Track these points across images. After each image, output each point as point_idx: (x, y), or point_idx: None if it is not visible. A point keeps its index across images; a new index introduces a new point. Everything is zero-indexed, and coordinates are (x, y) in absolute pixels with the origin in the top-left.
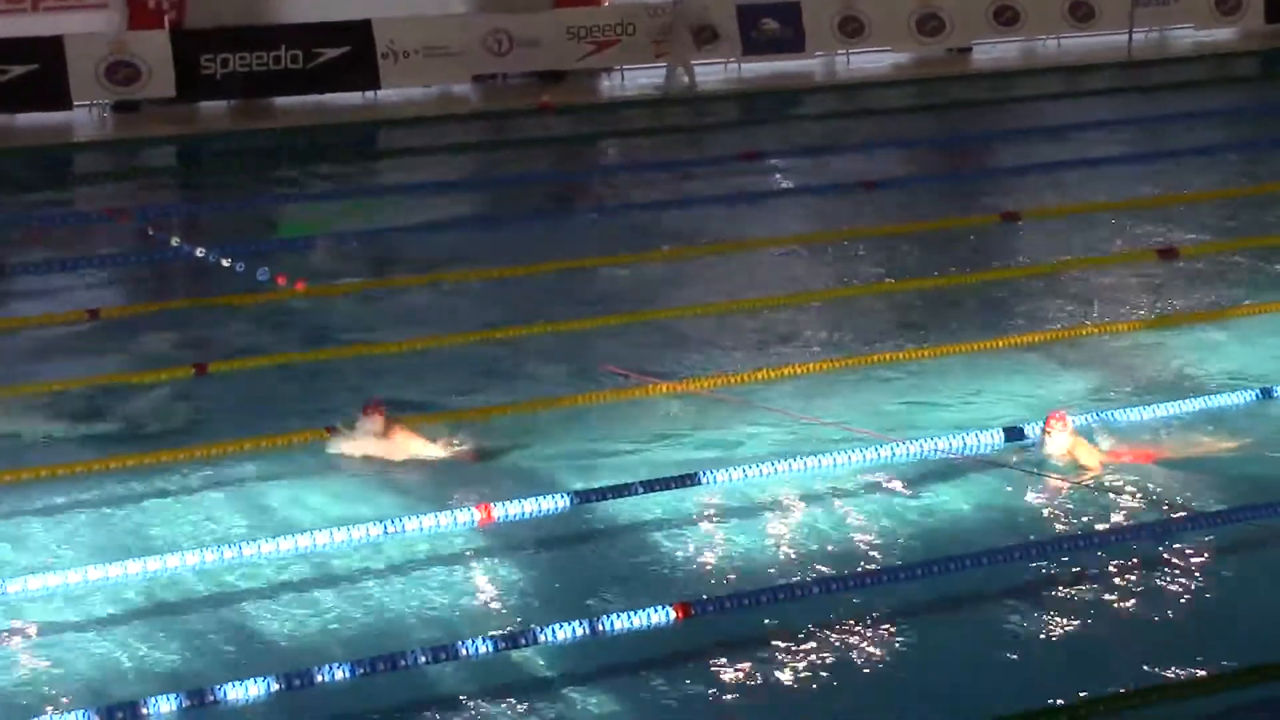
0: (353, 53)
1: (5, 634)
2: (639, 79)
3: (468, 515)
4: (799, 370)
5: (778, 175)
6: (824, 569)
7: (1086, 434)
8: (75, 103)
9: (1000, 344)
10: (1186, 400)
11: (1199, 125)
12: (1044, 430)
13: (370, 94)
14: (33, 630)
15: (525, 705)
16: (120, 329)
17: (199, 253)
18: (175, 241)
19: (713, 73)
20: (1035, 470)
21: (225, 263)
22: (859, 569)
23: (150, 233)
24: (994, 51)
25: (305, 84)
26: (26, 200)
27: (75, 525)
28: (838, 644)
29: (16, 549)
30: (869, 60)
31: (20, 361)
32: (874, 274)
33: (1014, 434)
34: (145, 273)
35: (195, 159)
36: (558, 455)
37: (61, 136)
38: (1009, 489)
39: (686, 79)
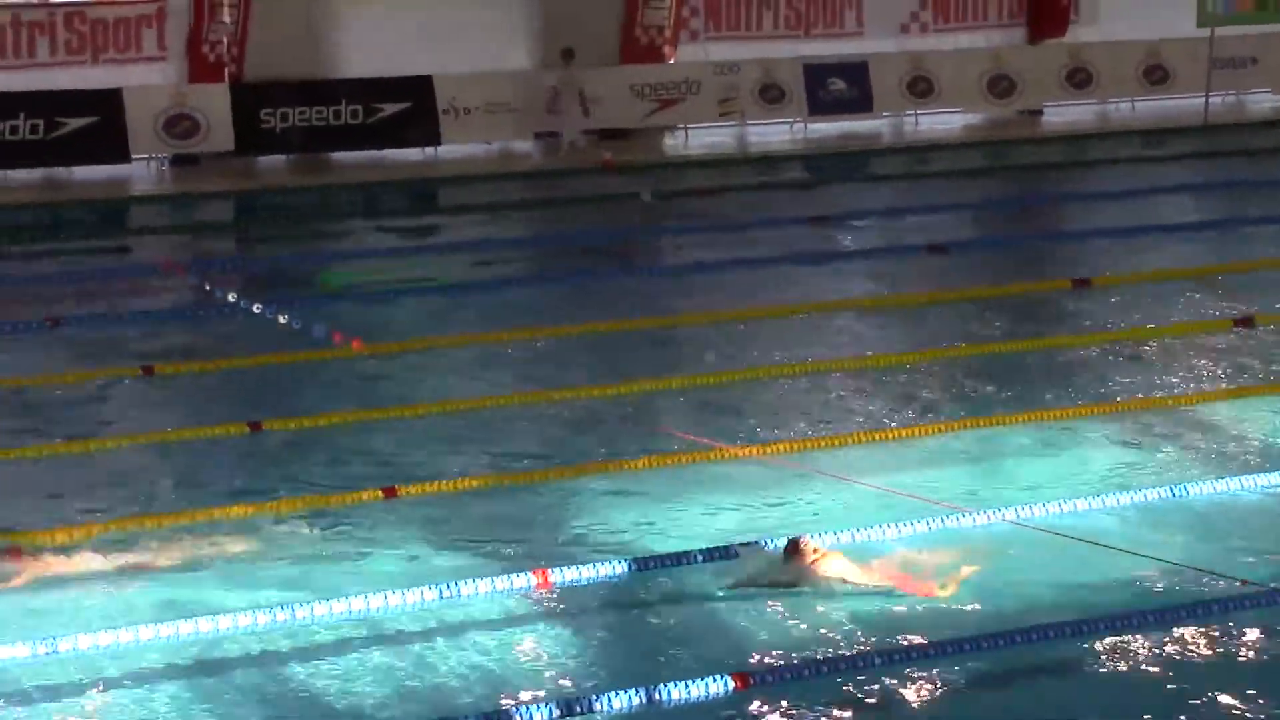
0: (413, 108)
1: (55, 691)
2: (704, 138)
3: (525, 580)
4: (863, 437)
5: (843, 237)
6: (887, 641)
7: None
8: (134, 156)
9: (1070, 414)
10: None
11: (1277, 192)
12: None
13: (430, 150)
14: (82, 689)
15: None
16: (174, 385)
17: (256, 308)
18: (232, 297)
19: (778, 133)
20: (1097, 543)
21: (282, 319)
22: (925, 640)
23: (207, 287)
24: (1066, 114)
25: (365, 139)
26: (83, 253)
27: (126, 583)
28: (899, 718)
29: (67, 606)
30: (938, 121)
31: (72, 416)
32: (941, 339)
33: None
34: (201, 328)
35: (253, 213)
36: (617, 520)
37: (119, 190)
38: (1077, 561)
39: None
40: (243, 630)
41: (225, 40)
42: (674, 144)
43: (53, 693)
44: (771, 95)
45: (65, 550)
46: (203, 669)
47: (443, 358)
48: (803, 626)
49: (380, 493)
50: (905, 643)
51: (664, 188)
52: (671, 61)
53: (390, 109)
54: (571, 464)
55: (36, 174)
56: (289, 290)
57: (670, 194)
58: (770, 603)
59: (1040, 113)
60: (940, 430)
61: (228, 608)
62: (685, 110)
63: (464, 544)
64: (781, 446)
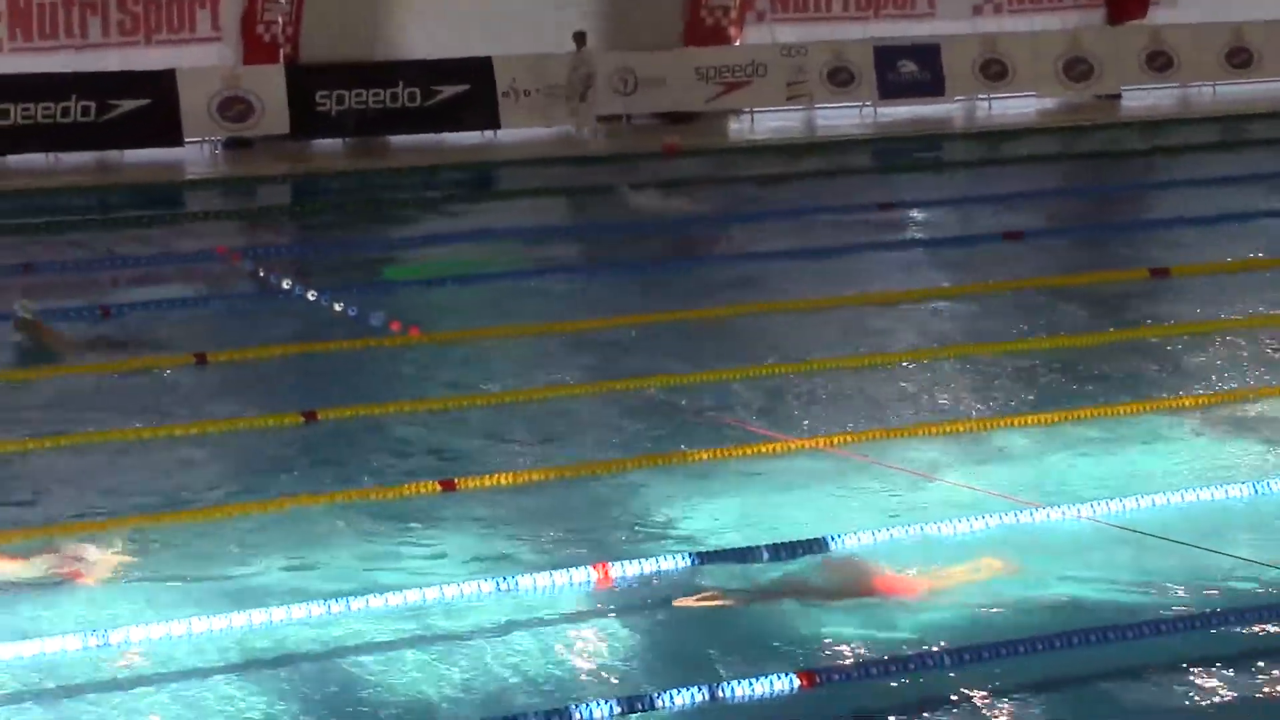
0: (472, 91)
1: (106, 684)
2: (770, 122)
3: (585, 575)
4: (934, 430)
5: (914, 225)
6: (954, 639)
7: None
8: (187, 139)
9: (1147, 407)
10: None
11: None
12: None
13: (489, 134)
14: (135, 682)
15: None
16: (227, 374)
17: (310, 295)
18: (286, 283)
19: (847, 117)
20: (1176, 540)
21: (337, 306)
22: (993, 640)
23: (261, 274)
24: (1146, 98)
25: (423, 122)
26: (135, 238)
27: (179, 574)
28: (965, 718)
29: (119, 598)
30: (1012, 106)
31: (123, 405)
32: (1013, 330)
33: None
34: (255, 315)
35: (308, 198)
36: (680, 514)
37: (172, 173)
38: (1148, 560)
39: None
40: (297, 624)
41: (280, 20)
42: (739, 128)
43: (106, 686)
44: (840, 78)
45: (116, 542)
46: (256, 663)
47: (502, 346)
48: (872, 623)
49: (438, 485)
50: (976, 642)
51: (729, 173)
52: (737, 43)
53: (449, 91)
54: (633, 456)
55: (88, 157)
56: (345, 277)
57: (735, 179)
58: (839, 599)
59: (1119, 97)
60: (1013, 423)
61: (282, 601)
62: (751, 94)
63: (523, 537)
64: (850, 439)
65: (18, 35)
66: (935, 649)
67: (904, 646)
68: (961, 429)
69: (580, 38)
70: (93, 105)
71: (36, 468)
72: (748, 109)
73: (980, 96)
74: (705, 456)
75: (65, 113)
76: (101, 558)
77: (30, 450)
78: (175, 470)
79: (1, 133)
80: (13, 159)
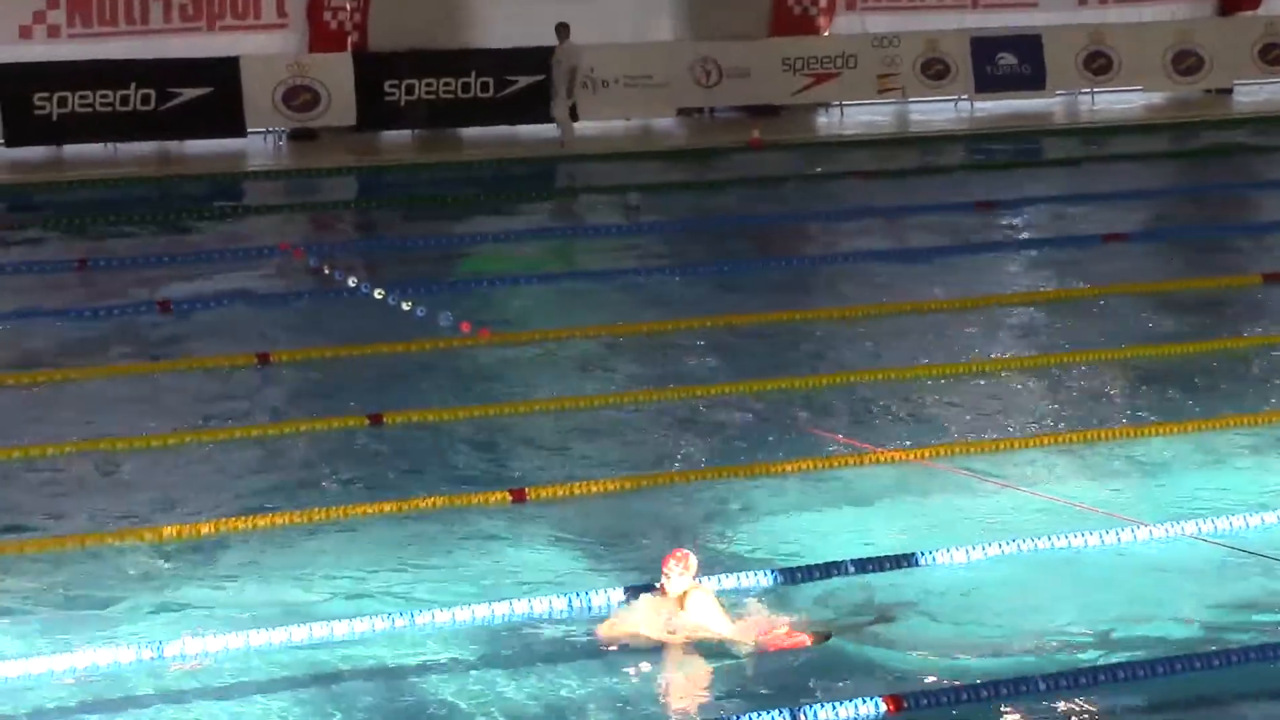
0: (548, 81)
1: (160, 697)
2: (859, 116)
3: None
4: (1029, 441)
5: (1012, 225)
6: (1050, 662)
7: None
8: (249, 129)
9: (1255, 420)
10: None
11: None
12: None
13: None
14: (190, 695)
15: None
16: (290, 374)
17: (377, 294)
18: (352, 281)
19: (942, 111)
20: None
21: (405, 305)
22: (1089, 663)
23: (325, 270)
24: (1259, 94)
25: (495, 114)
26: (195, 232)
27: (239, 583)
28: None
29: (177, 607)
30: (1117, 100)
31: (183, 406)
32: (1116, 338)
33: None
34: (319, 314)
35: (375, 192)
36: (760, 527)
37: (234, 165)
38: (1253, 580)
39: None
40: (359, 637)
41: (348, 7)
42: (827, 122)
43: (160, 699)
44: (935, 70)
45: (174, 548)
46: (316, 677)
47: (576, 349)
48: (961, 645)
49: (508, 495)
50: (1070, 665)
51: (816, 169)
52: (826, 33)
53: (523, 81)
54: (711, 466)
55: (147, 147)
56: (413, 275)
57: (823, 176)
58: (926, 619)
59: (1230, 92)
60: (1113, 436)
61: (343, 613)
62: (840, 86)
63: (596, 550)
64: (940, 450)
65: (76, 20)
66: (1032, 674)
67: (999, 670)
68: (1059, 441)
69: (563, 30)
70: (153, 94)
71: (92, 471)
72: (836, 102)
73: (1083, 91)
74: (788, 468)
75: (124, 101)
76: (158, 565)
77: (85, 452)
78: (236, 475)
79: (59, 121)
80: (70, 149)
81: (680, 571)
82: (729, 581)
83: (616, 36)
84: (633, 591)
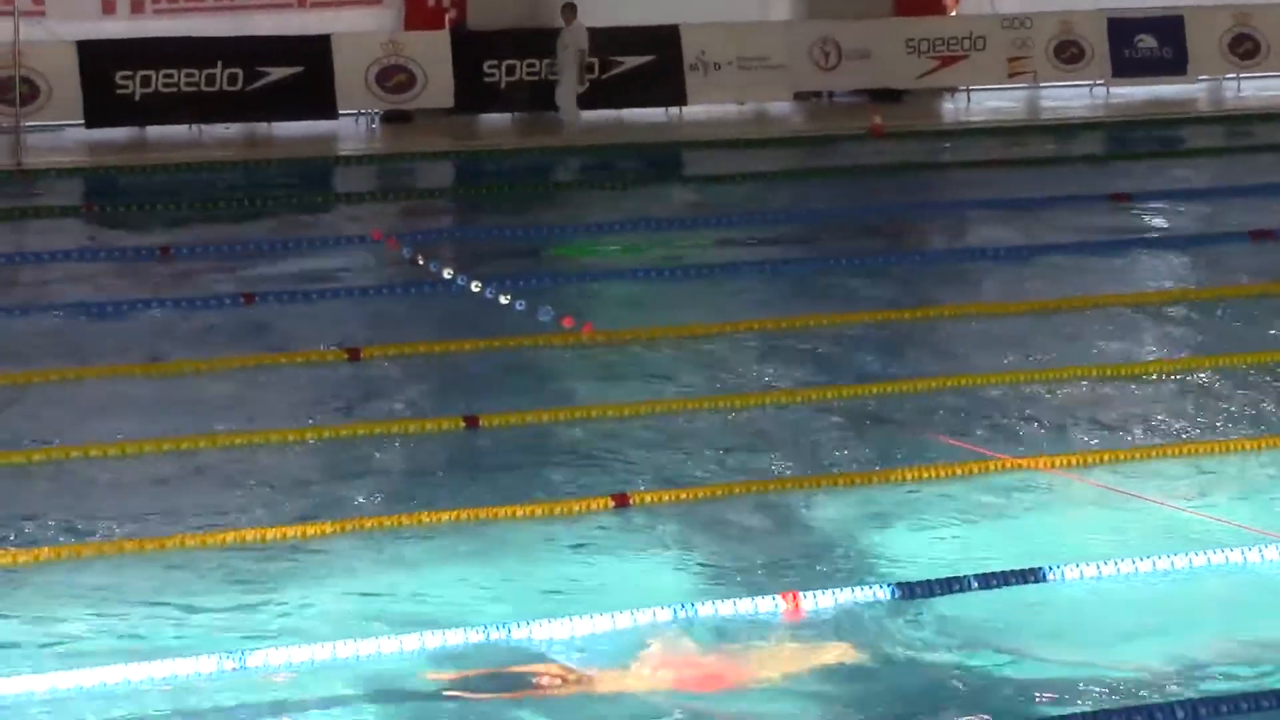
0: (656, 63)
1: (240, 711)
2: (988, 102)
3: (772, 604)
4: (1167, 451)
5: (1150, 219)
6: (1193, 689)
7: None
8: (341, 111)
9: None
10: None
11: None
12: None
13: (675, 110)
14: (270, 710)
15: None
16: (381, 371)
17: (473, 286)
18: (447, 273)
19: (1076, 97)
20: None
21: (503, 299)
22: (1230, 691)
23: (419, 261)
24: None
25: (601, 97)
26: (284, 219)
27: (326, 591)
28: None
29: (261, 615)
30: (1265, 87)
31: (271, 404)
32: (1261, 341)
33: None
34: (412, 307)
35: (473, 178)
36: (877, 539)
37: (324, 148)
38: None
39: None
40: (448, 651)
41: None
42: (954, 108)
43: (240, 713)
44: (1069, 53)
45: (258, 554)
46: (401, 693)
47: (683, 347)
48: (1089, 666)
49: (610, 500)
50: (1209, 693)
51: (941, 158)
52: (953, 13)
53: (630, 63)
54: (826, 473)
55: (234, 129)
56: (512, 267)
57: (948, 165)
58: (1052, 637)
59: None
60: (1257, 447)
61: (436, 625)
62: (968, 69)
63: (703, 561)
64: (1071, 459)
65: None
66: (1171, 701)
67: (1138, 694)
68: (1198, 451)
69: (569, 10)
70: (240, 73)
71: (171, 470)
72: (964, 86)
73: (1228, 76)
74: (909, 475)
75: (210, 81)
76: (241, 569)
77: (166, 452)
78: (323, 478)
79: (142, 102)
80: (153, 130)
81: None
82: (844, 596)
83: (730, 15)
84: None
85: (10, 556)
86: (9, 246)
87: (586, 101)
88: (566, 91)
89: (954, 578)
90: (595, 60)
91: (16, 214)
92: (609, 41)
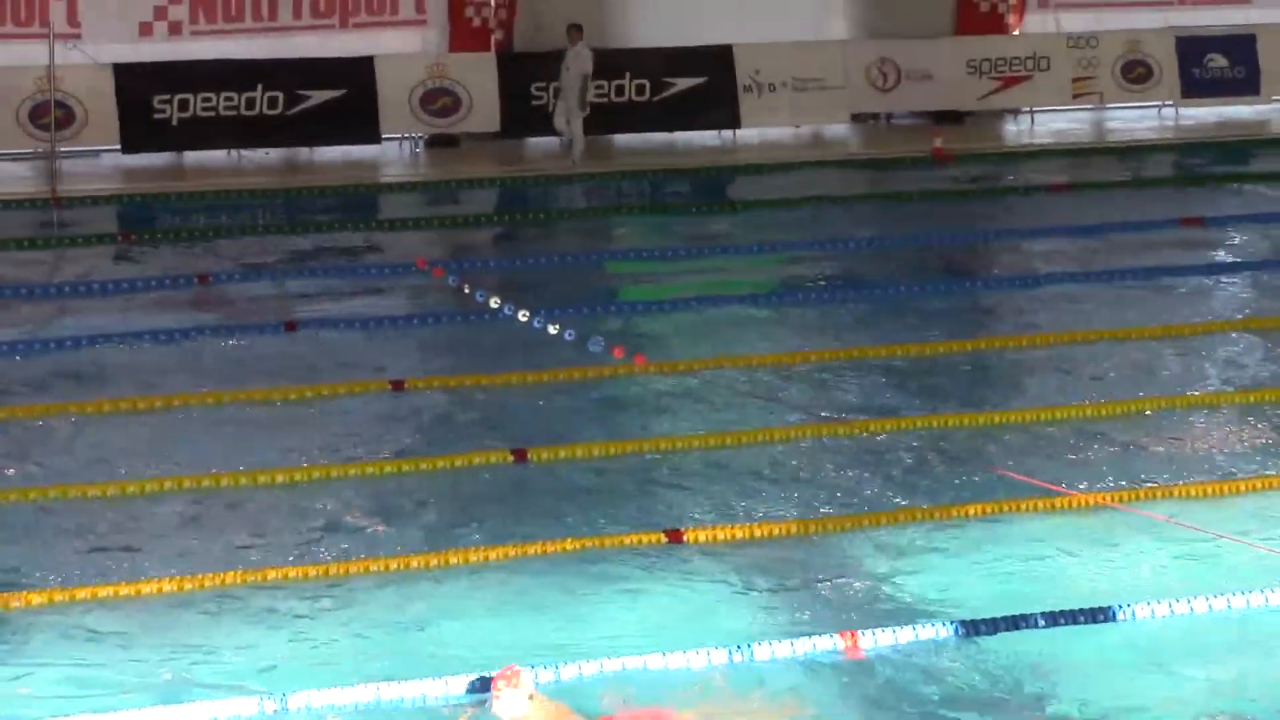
0: (709, 84)
1: None
2: (1053, 123)
3: (830, 643)
4: (1238, 486)
5: (1222, 245)
6: None
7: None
8: (384, 135)
9: None
10: None
11: None
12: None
13: (728, 133)
14: None
15: None
16: (426, 403)
17: (521, 316)
18: (494, 302)
19: (1144, 118)
20: None
21: (551, 329)
22: None
23: (465, 290)
24: None
25: (652, 119)
26: (325, 247)
27: (370, 630)
28: None
29: (302, 654)
30: None
31: (310, 436)
32: None
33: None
34: (458, 338)
35: (520, 204)
36: (939, 575)
37: (367, 174)
38: None
39: (571, 149)
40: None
41: (493, 3)
42: (1017, 130)
43: None
44: (1136, 73)
45: (299, 592)
46: None
47: (737, 378)
48: (1169, 709)
49: (663, 536)
50: None
51: (1004, 183)
52: (1016, 33)
53: (682, 85)
54: (885, 509)
55: (274, 155)
56: (561, 295)
57: (1011, 189)
58: (1121, 679)
59: None
60: None
61: (482, 665)
62: (1031, 90)
63: (758, 599)
64: (1139, 494)
65: (200, 17)
66: None
67: None
68: (1273, 486)
69: (574, 31)
70: (280, 96)
71: (210, 508)
72: (1027, 108)
73: None
74: (971, 511)
75: (250, 104)
76: (284, 608)
77: (203, 487)
78: (366, 513)
79: (180, 126)
80: (191, 156)
81: (511, 689)
82: (905, 635)
83: (784, 34)
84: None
85: (46, 596)
86: (44, 276)
87: (638, 124)
88: (569, 116)
89: (1019, 615)
90: (646, 82)
91: (52, 242)
92: (660, 62)
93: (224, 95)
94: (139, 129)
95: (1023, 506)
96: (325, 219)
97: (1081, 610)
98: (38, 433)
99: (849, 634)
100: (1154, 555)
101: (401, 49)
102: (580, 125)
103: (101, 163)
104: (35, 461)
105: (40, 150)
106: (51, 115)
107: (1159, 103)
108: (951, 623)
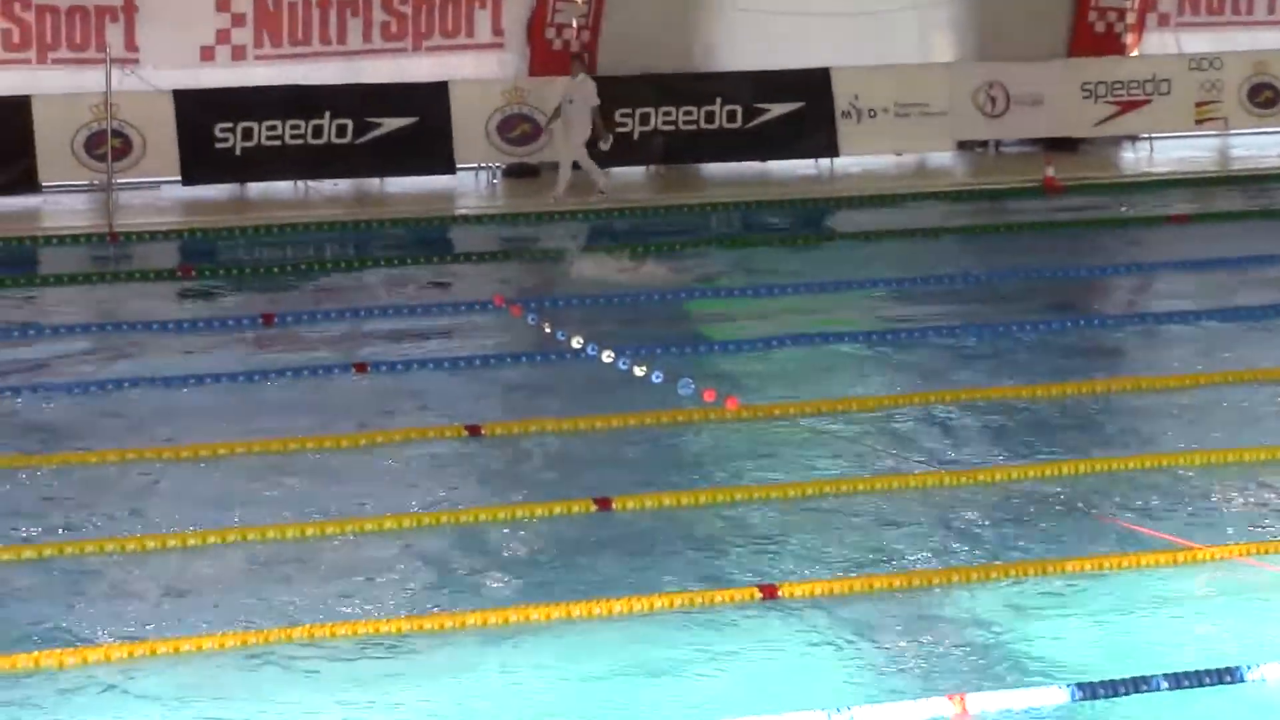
0: (805, 110)
1: None
2: (1174, 151)
3: (939, 706)
4: None
5: None
6: None
7: None
8: (460, 164)
9: None
10: None
11: None
12: None
13: (825, 162)
14: None
15: None
16: (505, 449)
17: (605, 356)
18: (576, 341)
19: (1273, 145)
20: None
21: (638, 370)
22: None
23: (546, 329)
24: None
25: (743, 148)
26: (397, 283)
27: (448, 691)
28: None
29: (377, 716)
30: None
31: (384, 485)
32: None
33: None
34: (538, 380)
35: (604, 237)
36: (1054, 634)
37: (441, 205)
38: None
39: (561, 186)
40: None
41: (575, 24)
42: (1135, 158)
43: None
44: (1263, 96)
45: (368, 647)
46: None
47: (834, 423)
48: None
49: (757, 591)
50: None
51: (1122, 215)
52: (1134, 54)
53: (776, 110)
54: (995, 562)
55: (343, 186)
56: (647, 334)
57: (1129, 221)
58: None
59: None
60: None
61: None
62: (1150, 115)
63: (859, 659)
64: (1269, 547)
65: (265, 41)
66: None
67: None
68: None
69: (578, 62)
70: (349, 124)
71: (276, 561)
72: (1146, 134)
73: None
74: (1087, 565)
75: (317, 133)
76: (356, 668)
77: (268, 539)
78: (441, 567)
79: (243, 156)
80: (255, 187)
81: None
82: (1018, 698)
83: (886, 57)
84: None
85: (103, 653)
86: (100, 315)
87: (729, 153)
88: (576, 151)
89: (1140, 678)
90: (738, 108)
91: (109, 278)
92: (752, 87)
93: (290, 123)
94: (200, 159)
95: (1144, 560)
96: (396, 254)
97: (1207, 671)
98: (89, 481)
99: (958, 697)
100: None
101: (477, 73)
102: (591, 158)
103: (160, 195)
104: (86, 511)
105: (96, 182)
106: (108, 145)
107: None
108: (1068, 685)
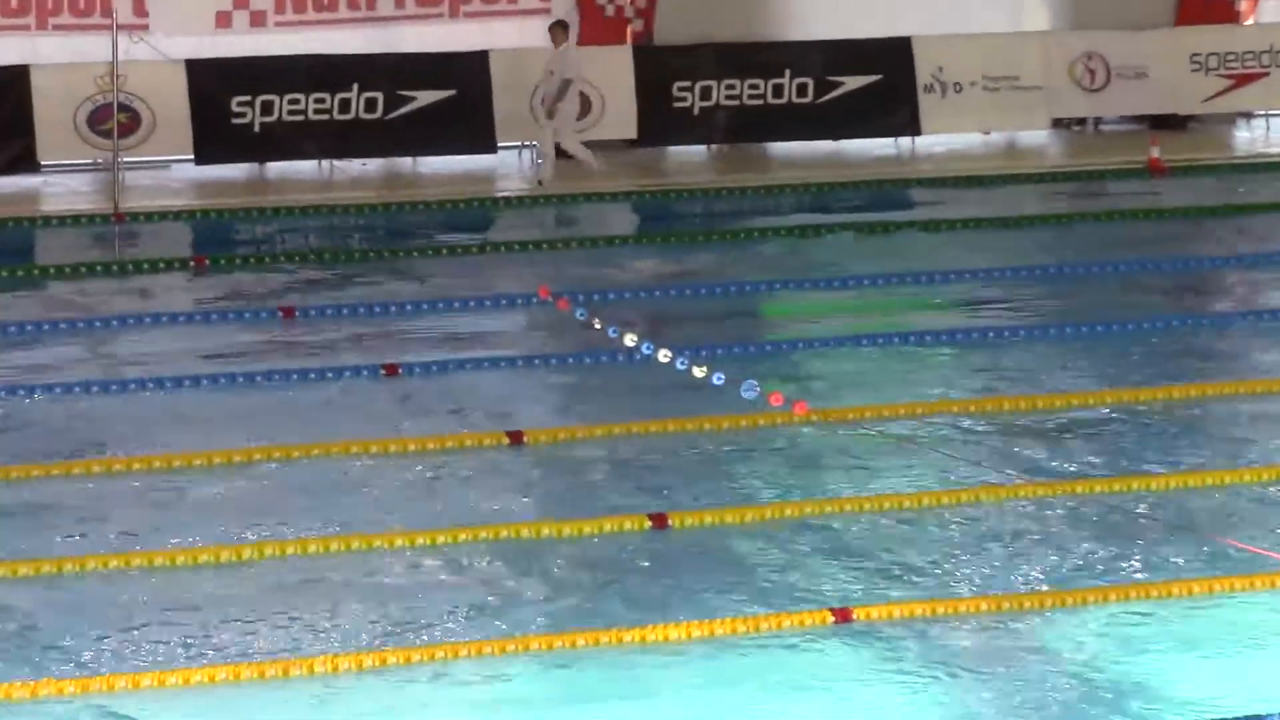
0: (884, 83)
1: None
2: None
3: None
4: None
5: None
6: None
7: None
8: (500, 143)
9: None
10: None
11: None
12: None
13: (905, 141)
14: None
15: None
16: (549, 458)
17: (661, 356)
18: (629, 339)
19: None
20: None
21: (697, 372)
22: None
23: (595, 324)
24: None
25: (815, 124)
26: (432, 274)
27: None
28: None
29: None
30: None
31: (419, 498)
32: None
33: None
34: (586, 381)
35: (660, 224)
36: (1158, 664)
37: (481, 186)
38: None
39: (545, 169)
40: None
41: None
42: (1249, 137)
43: None
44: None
45: (400, 679)
46: None
47: (912, 429)
48: None
49: (829, 615)
50: None
51: (1233, 200)
52: (1250, 22)
53: (851, 84)
54: (1090, 585)
55: (372, 165)
56: (708, 331)
57: (1237, 206)
58: None
59: None
60: None
61: None
62: (1267, 90)
63: (941, 689)
64: None
65: (286, 5)
66: None
67: None
68: None
69: (559, 29)
70: (379, 98)
71: (299, 580)
72: (1262, 110)
73: None
74: (1194, 589)
75: (345, 107)
76: (388, 698)
77: (288, 555)
78: (482, 587)
79: (262, 132)
80: (275, 167)
81: None
82: None
83: (973, 25)
84: None
85: (131, 680)
86: (105, 307)
87: (799, 130)
88: (565, 134)
89: (1254, 716)
90: (809, 81)
91: (114, 268)
92: (825, 58)
93: (313, 97)
94: (214, 136)
95: (1257, 583)
96: (430, 241)
97: None
98: (93, 492)
99: None
100: None
101: (521, 42)
102: (551, 140)
103: (171, 175)
104: (95, 522)
105: (100, 160)
106: (114, 120)
107: None
108: (1174, 718)
